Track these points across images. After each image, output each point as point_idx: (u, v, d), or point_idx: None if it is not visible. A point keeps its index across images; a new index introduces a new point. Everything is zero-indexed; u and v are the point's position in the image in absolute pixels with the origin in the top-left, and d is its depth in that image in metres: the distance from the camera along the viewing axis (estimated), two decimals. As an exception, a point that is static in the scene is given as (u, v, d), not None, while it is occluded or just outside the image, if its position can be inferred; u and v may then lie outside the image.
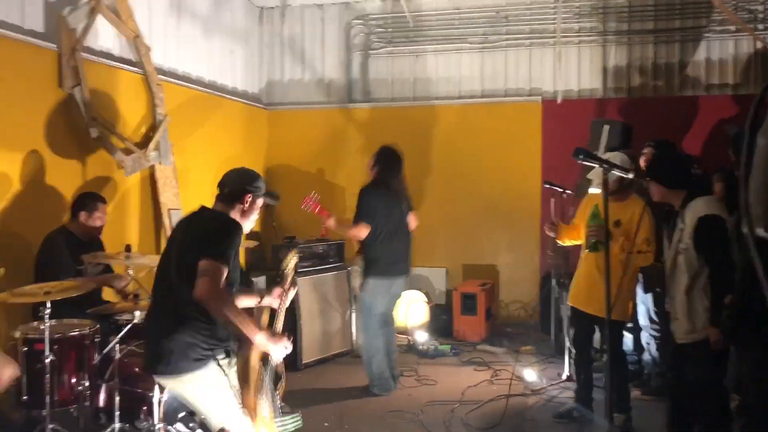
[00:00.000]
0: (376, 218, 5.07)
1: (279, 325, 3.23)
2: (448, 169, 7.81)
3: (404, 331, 6.68)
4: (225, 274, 2.87)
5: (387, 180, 5.17)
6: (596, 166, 2.83)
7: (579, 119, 6.98)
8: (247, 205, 3.12)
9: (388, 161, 5.22)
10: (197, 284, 2.78)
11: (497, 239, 7.74)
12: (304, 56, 8.46)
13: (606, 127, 6.12)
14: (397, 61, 8.17)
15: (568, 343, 5.16)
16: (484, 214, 7.68)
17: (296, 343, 5.69)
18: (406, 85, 8.14)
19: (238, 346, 3.03)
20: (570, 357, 5.15)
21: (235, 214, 3.10)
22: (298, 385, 5.34)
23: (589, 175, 4.53)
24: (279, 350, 2.99)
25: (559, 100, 7.52)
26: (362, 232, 5.07)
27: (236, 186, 3.13)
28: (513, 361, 5.90)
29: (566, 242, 4.69)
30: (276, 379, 3.20)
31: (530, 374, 5.45)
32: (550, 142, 7.45)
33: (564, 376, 5.32)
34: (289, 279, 3.35)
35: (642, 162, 4.99)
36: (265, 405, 3.03)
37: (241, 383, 2.98)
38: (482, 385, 5.32)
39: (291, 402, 4.79)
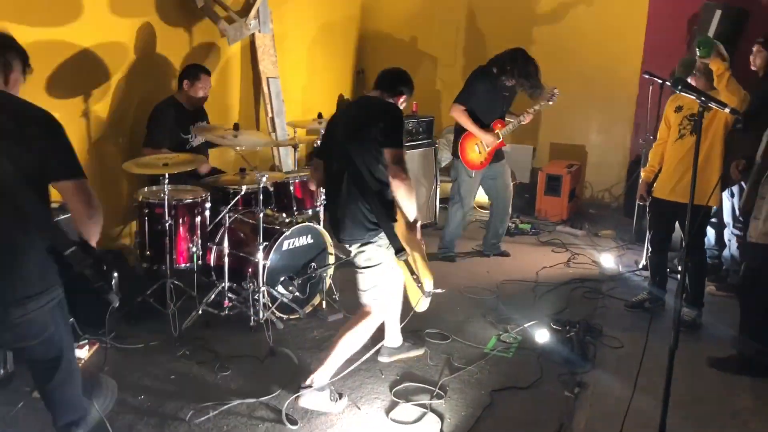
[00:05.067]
0: (476, 107, 5.21)
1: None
2: (546, 44, 7.51)
3: (483, 206, 6.88)
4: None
5: (499, 75, 5.20)
6: (693, 96, 2.72)
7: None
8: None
9: (507, 62, 5.17)
10: (394, 170, 3.09)
11: (590, 120, 7.64)
12: None
13: (718, 12, 5.76)
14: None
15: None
16: (580, 93, 7.51)
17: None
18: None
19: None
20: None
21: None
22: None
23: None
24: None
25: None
26: (455, 111, 5.21)
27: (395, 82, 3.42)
28: (591, 246, 6.07)
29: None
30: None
31: (607, 259, 5.61)
32: (656, 23, 7.05)
33: (641, 264, 5.45)
34: None
35: (753, 63, 4.72)
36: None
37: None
38: (558, 267, 5.54)
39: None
